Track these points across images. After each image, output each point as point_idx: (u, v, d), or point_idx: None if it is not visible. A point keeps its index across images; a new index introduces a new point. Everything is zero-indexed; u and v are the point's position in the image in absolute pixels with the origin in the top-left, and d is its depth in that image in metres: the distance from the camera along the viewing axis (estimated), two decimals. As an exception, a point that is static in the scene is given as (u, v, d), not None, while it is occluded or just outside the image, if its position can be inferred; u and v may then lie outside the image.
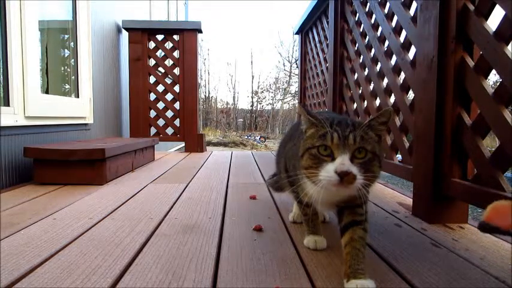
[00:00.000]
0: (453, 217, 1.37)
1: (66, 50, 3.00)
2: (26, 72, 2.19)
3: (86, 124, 3.04)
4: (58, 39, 2.99)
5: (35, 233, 1.21)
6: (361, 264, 0.85)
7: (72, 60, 2.97)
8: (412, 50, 1.66)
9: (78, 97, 2.95)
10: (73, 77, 2.96)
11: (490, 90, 1.15)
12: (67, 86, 2.98)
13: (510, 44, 1.10)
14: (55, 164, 2.03)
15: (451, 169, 1.32)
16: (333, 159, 0.77)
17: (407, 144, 1.71)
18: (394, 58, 1.88)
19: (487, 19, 1.21)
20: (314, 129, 0.84)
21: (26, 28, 2.18)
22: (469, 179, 1.31)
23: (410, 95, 1.72)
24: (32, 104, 2.23)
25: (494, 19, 1.16)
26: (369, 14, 2.27)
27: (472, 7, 1.25)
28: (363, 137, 0.79)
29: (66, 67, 3.01)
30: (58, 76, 2.94)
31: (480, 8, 1.21)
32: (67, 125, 2.75)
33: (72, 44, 2.95)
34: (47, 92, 2.65)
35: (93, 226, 1.29)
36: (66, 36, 2.95)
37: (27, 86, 2.19)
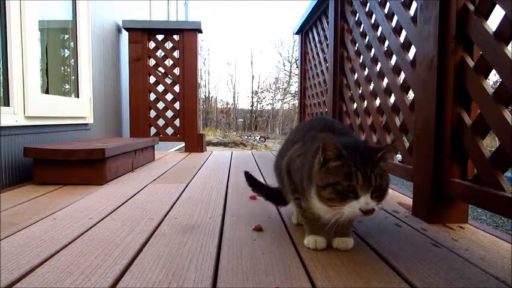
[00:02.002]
0: (453, 217, 1.37)
1: (66, 50, 3.00)
2: (26, 72, 2.19)
3: (86, 124, 3.04)
4: (58, 39, 2.99)
5: (35, 233, 1.21)
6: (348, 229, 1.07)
7: (72, 60, 2.97)
8: (412, 50, 1.66)
9: (78, 97, 2.95)
10: (73, 77, 2.96)
11: (490, 90, 1.15)
12: (67, 86, 2.98)
13: (510, 44, 1.10)
14: (55, 164, 2.03)
15: (451, 169, 1.32)
16: (357, 196, 0.86)
17: (407, 144, 1.71)
18: (394, 58, 1.88)
19: (487, 19, 1.20)
20: (339, 162, 0.89)
21: (26, 28, 2.18)
22: (469, 179, 1.31)
23: (410, 95, 1.72)
24: (32, 104, 2.23)
25: (494, 19, 1.16)
26: (369, 14, 2.27)
27: (472, 7, 1.25)
28: (381, 175, 0.87)
29: (66, 67, 3.01)
30: (58, 76, 2.94)
31: (480, 8, 1.21)
32: (67, 125, 2.75)
33: (72, 44, 2.95)
34: (47, 92, 2.65)
35: (93, 226, 1.29)
36: (66, 36, 2.95)
37: (27, 86, 2.19)
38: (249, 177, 1.44)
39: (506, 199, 1.04)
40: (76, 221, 1.35)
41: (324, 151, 0.89)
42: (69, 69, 2.99)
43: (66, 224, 1.32)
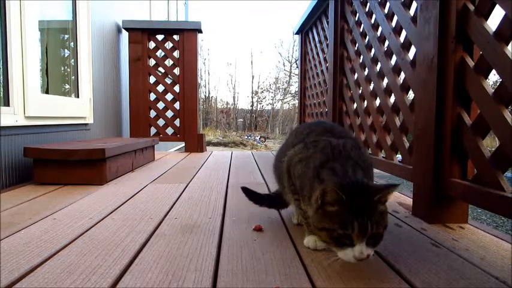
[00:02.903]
0: (453, 217, 1.37)
1: (66, 50, 3.00)
2: (26, 72, 2.19)
3: (86, 124, 3.04)
4: (58, 39, 2.99)
5: (35, 233, 1.21)
6: None
7: (72, 60, 2.97)
8: (412, 50, 1.66)
9: (78, 97, 2.95)
10: (73, 77, 2.96)
11: (490, 90, 1.15)
12: (67, 86, 2.98)
13: (510, 44, 1.10)
14: (55, 164, 2.03)
15: (451, 169, 1.32)
16: (352, 244, 0.83)
17: (407, 144, 1.71)
18: (394, 58, 1.88)
19: (487, 19, 1.20)
20: (337, 208, 0.85)
21: (26, 28, 2.18)
22: (469, 179, 1.31)
23: (410, 95, 1.72)
24: (32, 104, 2.23)
25: (494, 19, 1.16)
26: (369, 14, 2.27)
27: (472, 7, 1.25)
28: (378, 222, 0.83)
29: (66, 67, 3.01)
30: (58, 76, 2.94)
31: (480, 8, 1.21)
32: (67, 125, 2.75)
33: (72, 44, 2.95)
34: (47, 92, 2.65)
35: (93, 226, 1.29)
36: (66, 36, 2.95)
37: (27, 86, 2.19)
38: (247, 192, 1.41)
39: (506, 199, 1.04)
40: (76, 221, 1.35)
41: (324, 196, 0.86)
42: (69, 69, 2.99)
43: (66, 224, 1.32)
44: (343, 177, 0.92)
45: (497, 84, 1.11)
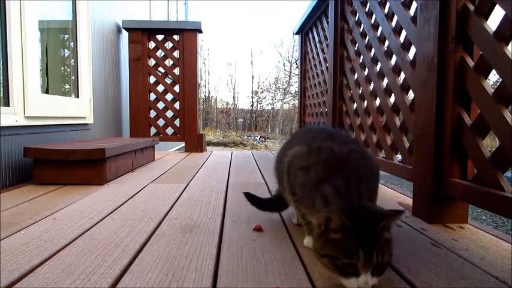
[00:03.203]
0: (453, 217, 1.37)
1: (66, 50, 3.00)
2: (26, 72, 2.19)
3: (86, 124, 3.04)
4: (58, 39, 2.99)
5: (35, 233, 1.21)
6: None
7: (72, 60, 2.97)
8: (412, 50, 1.66)
9: (78, 97, 2.95)
10: (73, 77, 2.96)
11: (490, 90, 1.15)
12: (67, 86, 2.98)
13: (510, 44, 1.10)
14: (55, 164, 2.03)
15: (451, 169, 1.32)
16: (357, 274, 0.78)
17: (407, 144, 1.71)
18: (394, 58, 1.88)
19: (487, 19, 1.20)
20: (341, 235, 0.80)
21: (26, 28, 2.18)
22: (469, 179, 1.31)
23: (410, 95, 1.72)
24: (32, 104, 2.23)
25: (495, 19, 1.16)
26: (369, 14, 2.27)
27: (472, 7, 1.25)
28: (383, 251, 0.79)
29: (66, 67, 3.01)
30: (58, 76, 2.94)
31: (480, 8, 1.21)
32: (67, 125, 2.75)
33: (72, 44, 2.95)
34: (47, 92, 2.65)
35: (93, 226, 1.29)
36: (66, 36, 2.95)
37: (27, 86, 2.19)
38: (250, 197, 1.41)
39: (506, 199, 1.04)
40: (76, 221, 1.35)
41: (328, 222, 0.81)
42: (69, 69, 2.99)
43: (66, 224, 1.32)
44: (346, 197, 0.89)
45: (497, 84, 1.11)
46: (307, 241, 1.10)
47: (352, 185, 0.92)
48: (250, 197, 1.41)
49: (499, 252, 1.09)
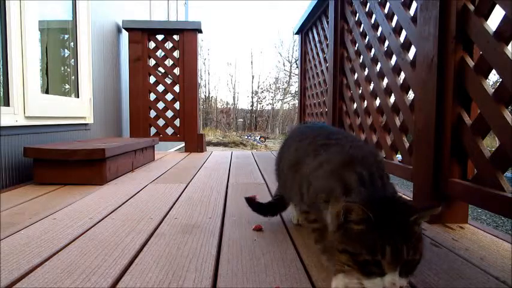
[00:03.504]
0: (453, 217, 1.37)
1: (66, 50, 3.00)
2: (26, 72, 2.19)
3: (86, 124, 3.04)
4: (58, 39, 2.99)
5: (35, 233, 1.21)
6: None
7: (72, 60, 2.97)
8: (412, 50, 1.66)
9: (78, 97, 2.95)
10: (73, 77, 2.96)
11: (490, 90, 1.15)
12: (67, 86, 2.98)
13: (510, 44, 1.10)
14: (55, 164, 2.03)
15: (451, 169, 1.32)
16: (382, 274, 0.68)
17: (407, 144, 1.71)
18: (394, 58, 1.88)
19: (487, 19, 1.20)
20: (363, 227, 0.70)
21: (26, 28, 2.18)
22: (469, 179, 1.31)
23: (410, 95, 1.72)
24: (32, 104, 2.23)
25: (495, 19, 1.16)
26: (369, 14, 2.27)
27: (472, 7, 1.25)
28: (415, 247, 0.70)
29: (66, 67, 3.01)
30: (58, 76, 2.94)
31: (480, 8, 1.21)
32: (67, 125, 2.75)
33: (72, 44, 2.95)
34: (47, 92, 2.65)
35: (93, 226, 1.29)
36: (66, 36, 2.95)
37: (27, 86, 2.19)
38: (252, 204, 1.36)
39: (506, 199, 1.04)
40: (76, 221, 1.35)
41: (347, 213, 0.72)
42: (69, 69, 2.99)
43: (66, 224, 1.32)
44: (370, 185, 0.78)
45: (497, 84, 1.11)
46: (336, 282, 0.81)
47: (375, 175, 0.80)
48: (252, 204, 1.37)
49: (499, 252, 1.09)
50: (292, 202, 1.26)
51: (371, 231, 0.69)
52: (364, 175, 0.79)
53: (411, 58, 1.68)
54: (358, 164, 0.82)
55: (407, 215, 0.71)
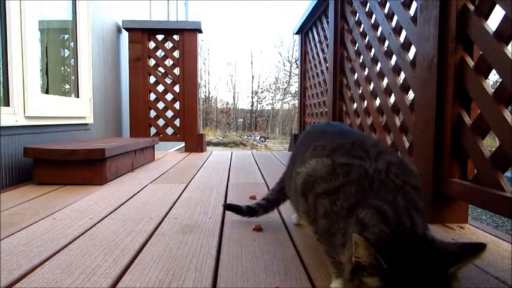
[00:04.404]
0: (453, 217, 1.37)
1: (66, 50, 3.00)
2: (26, 72, 2.19)
3: (86, 124, 3.04)
4: (58, 39, 2.99)
5: (35, 233, 1.21)
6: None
7: (72, 60, 2.97)
8: (412, 50, 1.66)
9: (78, 97, 2.95)
10: (73, 77, 2.96)
11: (490, 90, 1.15)
12: (67, 86, 2.98)
13: (510, 44, 1.10)
14: (55, 164, 2.03)
15: (451, 169, 1.32)
16: None
17: (407, 144, 1.71)
18: (394, 58, 1.88)
19: (487, 19, 1.20)
20: (377, 278, 0.54)
21: (26, 28, 2.18)
22: (469, 179, 1.31)
23: (410, 95, 1.72)
24: (32, 104, 2.23)
25: (495, 19, 1.16)
26: (369, 14, 2.27)
27: (472, 7, 1.25)
28: None
29: (66, 67, 3.01)
30: (58, 76, 2.94)
31: (480, 8, 1.21)
32: (67, 125, 2.75)
33: (72, 44, 2.95)
34: (47, 92, 2.65)
35: (93, 226, 1.29)
36: (66, 36, 2.95)
37: (27, 86, 2.19)
38: (235, 210, 1.34)
39: (506, 199, 1.04)
40: (76, 221, 1.35)
41: (356, 250, 0.57)
42: (69, 69, 2.99)
43: (66, 224, 1.32)
44: (395, 223, 0.63)
45: (497, 84, 1.11)
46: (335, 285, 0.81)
47: (400, 208, 0.66)
48: (236, 210, 1.35)
49: (499, 252, 1.09)
50: (296, 213, 1.17)
51: (391, 286, 0.52)
52: (387, 210, 0.65)
53: (411, 58, 1.68)
54: (375, 196, 0.69)
55: (445, 265, 0.53)
